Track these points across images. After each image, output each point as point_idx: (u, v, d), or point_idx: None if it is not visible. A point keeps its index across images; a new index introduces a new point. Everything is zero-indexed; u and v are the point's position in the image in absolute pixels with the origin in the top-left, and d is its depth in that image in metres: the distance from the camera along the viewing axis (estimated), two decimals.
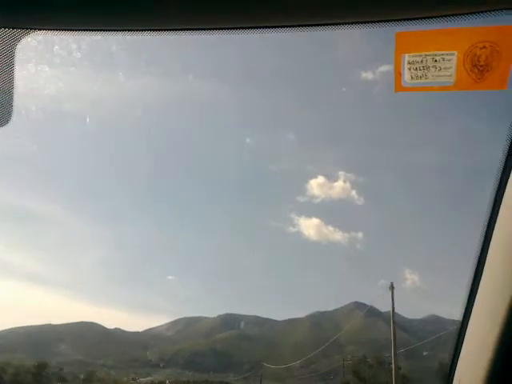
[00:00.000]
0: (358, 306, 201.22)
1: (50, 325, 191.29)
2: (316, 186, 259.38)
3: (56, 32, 1.31)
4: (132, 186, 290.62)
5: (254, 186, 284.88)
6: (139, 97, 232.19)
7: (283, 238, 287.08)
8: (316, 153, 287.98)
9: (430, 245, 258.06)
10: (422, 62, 1.30)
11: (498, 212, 1.19)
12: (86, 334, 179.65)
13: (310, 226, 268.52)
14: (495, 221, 1.16)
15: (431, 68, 1.28)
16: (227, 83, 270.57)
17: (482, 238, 1.19)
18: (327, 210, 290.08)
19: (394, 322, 27.79)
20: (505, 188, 1.22)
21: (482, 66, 1.22)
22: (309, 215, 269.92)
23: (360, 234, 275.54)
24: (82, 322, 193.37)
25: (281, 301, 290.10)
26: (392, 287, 29.06)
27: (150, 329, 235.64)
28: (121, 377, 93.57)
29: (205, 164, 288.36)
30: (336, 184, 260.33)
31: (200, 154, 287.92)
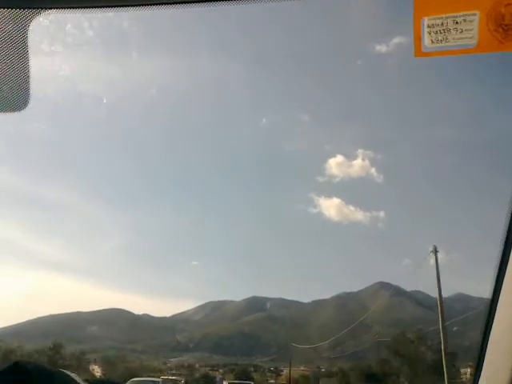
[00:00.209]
0: (383, 285, 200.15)
1: (79, 312, 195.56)
2: (335, 165, 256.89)
3: (67, 10, 1.30)
4: (155, 172, 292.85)
5: (273, 167, 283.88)
6: (153, 77, 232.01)
7: (305, 219, 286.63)
8: (333, 131, 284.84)
9: (455, 221, 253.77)
10: (442, 24, 1.25)
11: None
12: (115, 320, 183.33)
13: (330, 206, 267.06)
14: None
15: (452, 30, 1.24)
16: (240, 64, 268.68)
17: (510, 213, 0.89)
18: (347, 189, 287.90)
19: (440, 291, 26.07)
20: None
21: (506, 25, 1.17)
22: (329, 195, 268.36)
23: (382, 213, 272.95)
24: (110, 309, 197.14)
25: (306, 282, 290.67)
26: (435, 251, 27.27)
27: (177, 314, 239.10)
28: (151, 361, 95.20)
29: (223, 147, 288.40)
30: (355, 162, 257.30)
31: (217, 137, 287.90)
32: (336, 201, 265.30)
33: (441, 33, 1.25)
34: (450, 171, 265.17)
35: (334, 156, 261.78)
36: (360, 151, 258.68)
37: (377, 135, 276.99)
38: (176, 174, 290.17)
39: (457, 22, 1.23)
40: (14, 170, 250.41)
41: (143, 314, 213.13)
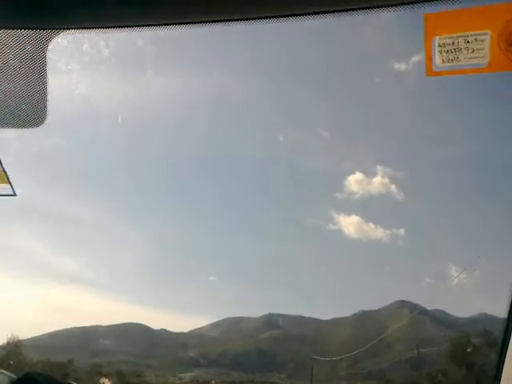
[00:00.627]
0: (404, 304, 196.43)
1: (97, 326, 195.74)
2: (354, 181, 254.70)
3: (84, 30, 1.30)
4: (174, 186, 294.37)
5: (291, 184, 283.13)
6: (169, 94, 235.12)
7: (323, 236, 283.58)
8: (352, 148, 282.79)
9: (477, 240, 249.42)
10: (453, 44, 1.20)
11: None
12: (133, 334, 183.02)
13: (349, 224, 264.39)
14: None
15: (463, 50, 1.19)
16: (254, 79, 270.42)
17: None
18: (367, 207, 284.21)
19: None
20: None
21: None
22: (348, 212, 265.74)
23: (402, 231, 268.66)
24: (128, 323, 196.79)
25: (324, 300, 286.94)
26: None
27: (194, 329, 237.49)
28: (166, 377, 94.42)
29: (240, 163, 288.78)
30: (374, 180, 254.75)
31: (235, 153, 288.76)
32: (355, 218, 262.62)
33: (452, 52, 1.22)
34: (472, 189, 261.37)
35: (354, 173, 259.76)
36: (380, 168, 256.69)
37: (397, 152, 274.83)
38: (195, 189, 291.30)
39: (468, 42, 1.19)
40: (35, 184, 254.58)
41: (161, 329, 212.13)
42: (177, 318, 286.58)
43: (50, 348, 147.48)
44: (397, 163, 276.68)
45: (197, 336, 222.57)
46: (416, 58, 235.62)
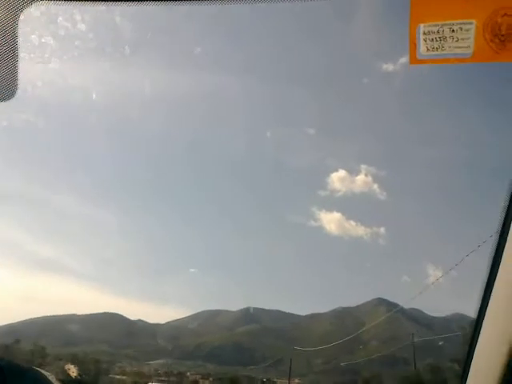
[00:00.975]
0: (381, 302, 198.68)
1: (74, 315, 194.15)
2: (337, 179, 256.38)
3: (59, 2, 1.26)
4: (157, 179, 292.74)
5: (275, 180, 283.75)
6: (149, 75, 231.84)
7: (305, 233, 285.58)
8: (336, 146, 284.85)
9: (454, 240, 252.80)
10: (438, 32, 1.20)
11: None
12: (110, 324, 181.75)
13: (331, 221, 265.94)
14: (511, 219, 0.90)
15: (448, 39, 1.18)
16: (246, 76, 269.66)
17: (498, 235, 0.91)
18: (349, 205, 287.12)
19: None
20: None
21: (503, 35, 1.12)
22: (330, 209, 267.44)
23: (382, 229, 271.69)
24: (105, 313, 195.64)
25: (303, 295, 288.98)
26: None
27: (172, 321, 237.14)
28: (141, 367, 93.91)
29: (226, 158, 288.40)
30: (358, 178, 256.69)
31: (221, 148, 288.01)
32: (337, 215, 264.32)
33: (437, 40, 1.21)
34: (452, 189, 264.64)
35: (337, 171, 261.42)
36: (363, 167, 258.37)
37: (381, 152, 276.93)
38: (177, 183, 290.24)
39: (453, 31, 1.19)
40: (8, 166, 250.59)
41: (137, 320, 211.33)
42: (155, 309, 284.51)
43: (23, 336, 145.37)
44: (380, 162, 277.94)
45: (174, 327, 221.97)
46: (404, 60, 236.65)
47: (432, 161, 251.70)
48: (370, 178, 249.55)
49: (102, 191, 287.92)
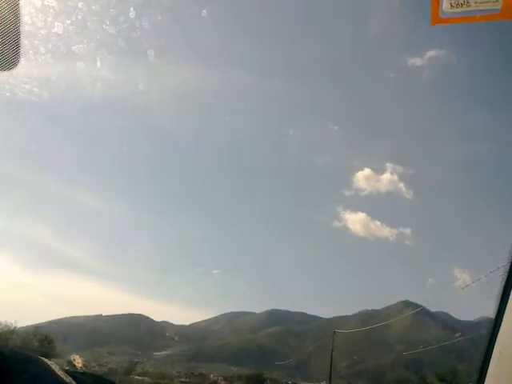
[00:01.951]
0: (408, 305, 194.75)
1: (100, 316, 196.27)
2: (362, 178, 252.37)
3: None
4: (182, 181, 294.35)
5: (298, 179, 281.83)
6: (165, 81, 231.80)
7: (329, 233, 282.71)
8: (361, 144, 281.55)
9: (482, 242, 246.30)
10: None
11: None
12: (134, 325, 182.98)
13: (356, 221, 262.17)
14: None
15: None
16: (267, 72, 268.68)
17: None
18: (374, 204, 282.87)
19: None
20: None
21: None
22: (355, 209, 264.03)
23: (408, 230, 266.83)
24: (130, 314, 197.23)
25: (328, 297, 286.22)
26: None
27: (196, 322, 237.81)
28: (166, 369, 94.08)
29: (247, 157, 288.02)
30: (383, 177, 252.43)
31: (243, 147, 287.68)
32: (361, 215, 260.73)
33: None
34: (482, 188, 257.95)
35: (362, 169, 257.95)
36: (389, 165, 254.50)
37: (407, 150, 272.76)
38: (201, 185, 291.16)
39: None
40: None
41: (162, 321, 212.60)
42: (179, 311, 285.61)
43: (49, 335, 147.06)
44: (407, 160, 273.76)
45: (198, 329, 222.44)
46: (432, 54, 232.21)
47: (461, 159, 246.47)
48: (395, 177, 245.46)
49: (128, 194, 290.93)
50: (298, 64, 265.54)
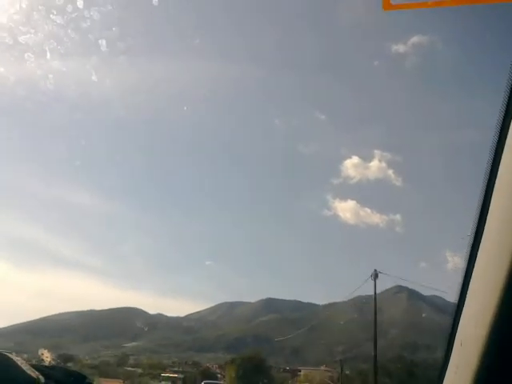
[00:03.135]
0: (401, 289, 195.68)
1: (93, 310, 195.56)
2: (350, 166, 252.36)
3: None
4: (170, 172, 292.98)
5: (286, 168, 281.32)
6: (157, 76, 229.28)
7: (320, 222, 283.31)
8: (348, 132, 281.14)
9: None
10: None
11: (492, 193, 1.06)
12: (128, 319, 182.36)
13: (346, 209, 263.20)
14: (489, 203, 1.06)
15: None
16: (251, 63, 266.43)
17: (477, 219, 0.91)
18: (363, 192, 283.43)
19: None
20: None
21: None
22: (344, 197, 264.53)
23: (398, 216, 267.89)
24: (124, 308, 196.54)
25: (321, 285, 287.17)
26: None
27: (191, 314, 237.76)
28: (159, 360, 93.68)
29: (234, 149, 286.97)
30: (372, 164, 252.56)
31: (228, 138, 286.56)
32: (351, 203, 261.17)
33: None
34: (470, 175, 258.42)
35: (350, 157, 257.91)
36: (377, 152, 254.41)
37: (395, 137, 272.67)
38: (190, 176, 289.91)
39: None
40: None
41: (157, 314, 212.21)
42: (174, 303, 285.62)
43: (44, 332, 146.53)
44: (395, 148, 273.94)
45: (193, 320, 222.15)
46: (415, 40, 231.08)
47: (448, 145, 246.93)
48: (384, 164, 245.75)
49: (117, 190, 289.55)
50: (282, 53, 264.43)
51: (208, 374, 55.19)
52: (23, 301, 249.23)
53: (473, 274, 0.91)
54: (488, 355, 0.77)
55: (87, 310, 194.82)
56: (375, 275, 23.25)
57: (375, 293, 23.22)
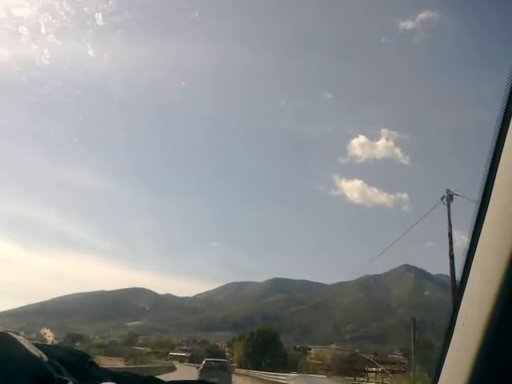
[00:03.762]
0: (409, 268, 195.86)
1: (103, 291, 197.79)
2: (357, 145, 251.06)
3: None
4: (177, 156, 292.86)
5: (293, 149, 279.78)
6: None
7: (327, 202, 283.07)
8: (355, 111, 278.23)
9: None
10: None
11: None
12: (138, 299, 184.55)
13: (352, 189, 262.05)
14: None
15: None
16: (256, 46, 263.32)
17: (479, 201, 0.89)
18: (370, 171, 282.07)
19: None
20: None
21: None
22: (351, 177, 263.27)
23: (405, 195, 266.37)
24: (133, 288, 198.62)
25: (329, 265, 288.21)
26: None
27: (199, 294, 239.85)
28: (169, 339, 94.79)
29: (242, 130, 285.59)
30: (379, 143, 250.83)
31: (237, 120, 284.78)
32: (358, 183, 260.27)
33: None
34: (478, 153, 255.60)
35: (357, 136, 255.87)
36: (384, 131, 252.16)
37: (402, 115, 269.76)
38: (197, 156, 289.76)
39: None
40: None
41: (166, 294, 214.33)
42: (182, 283, 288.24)
43: (54, 313, 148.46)
44: (403, 126, 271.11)
45: (202, 300, 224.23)
46: (423, 16, 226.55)
47: (457, 122, 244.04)
48: (391, 143, 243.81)
49: (126, 173, 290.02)
50: (287, 32, 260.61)
51: (216, 352, 55.59)
52: (36, 282, 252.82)
53: (475, 253, 0.95)
54: (490, 335, 0.82)
55: (97, 291, 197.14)
56: (448, 197, 14.43)
57: (449, 219, 14.09)
